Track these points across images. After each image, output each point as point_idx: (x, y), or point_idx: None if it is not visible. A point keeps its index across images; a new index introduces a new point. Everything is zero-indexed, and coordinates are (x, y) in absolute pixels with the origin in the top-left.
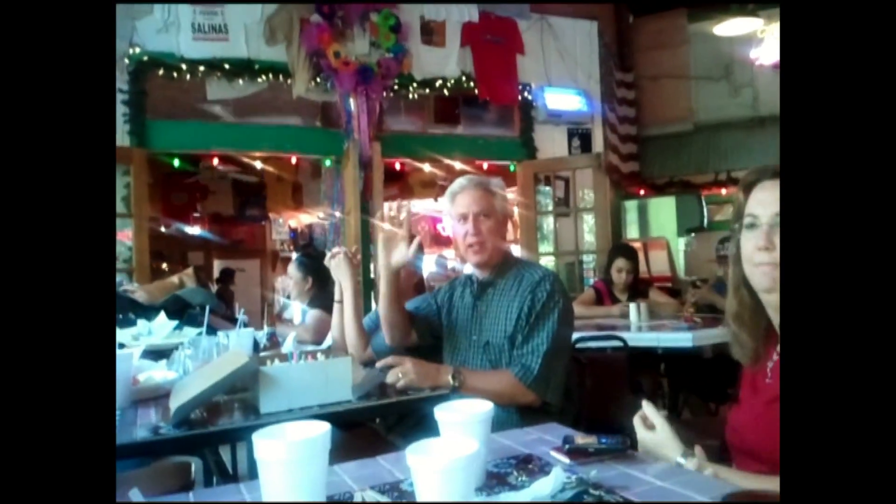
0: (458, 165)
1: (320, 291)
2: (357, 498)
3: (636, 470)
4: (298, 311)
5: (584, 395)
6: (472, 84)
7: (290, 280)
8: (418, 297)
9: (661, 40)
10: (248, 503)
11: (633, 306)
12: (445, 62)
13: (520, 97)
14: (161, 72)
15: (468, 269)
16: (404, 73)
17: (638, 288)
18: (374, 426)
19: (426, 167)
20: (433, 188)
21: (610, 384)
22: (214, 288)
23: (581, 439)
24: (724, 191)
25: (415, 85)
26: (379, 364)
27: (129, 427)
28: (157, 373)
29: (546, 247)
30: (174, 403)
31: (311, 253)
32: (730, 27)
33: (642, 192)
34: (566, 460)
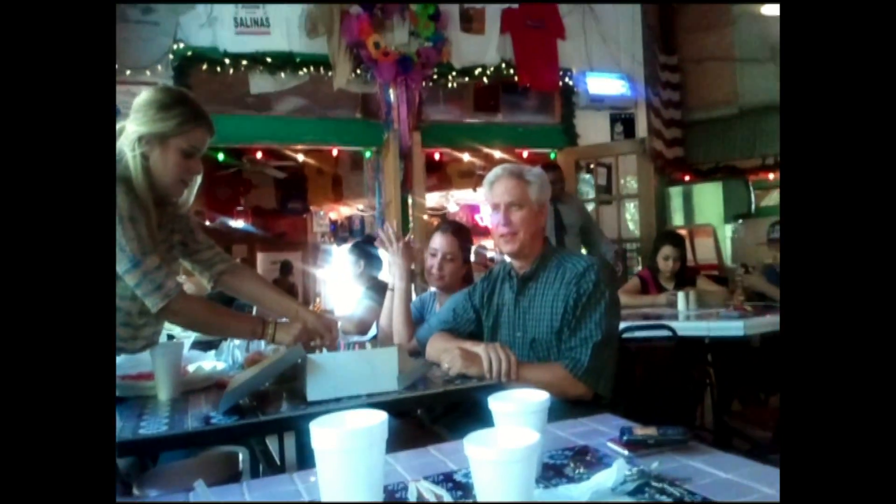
0: (497, 154)
1: (371, 280)
2: (411, 488)
3: (698, 462)
4: (339, 301)
5: (633, 384)
6: (511, 71)
7: (345, 265)
8: (453, 300)
9: (705, 21)
10: (304, 502)
11: (681, 295)
12: (485, 49)
13: (561, 83)
14: (204, 66)
15: (507, 259)
16: (444, 61)
17: (685, 276)
18: (419, 416)
19: (465, 157)
20: (472, 178)
21: (658, 374)
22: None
23: (640, 430)
24: (771, 175)
25: (454, 73)
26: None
27: (181, 417)
28: (207, 363)
29: None
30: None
31: (364, 241)
32: (776, 7)
33: (687, 177)
34: (625, 452)
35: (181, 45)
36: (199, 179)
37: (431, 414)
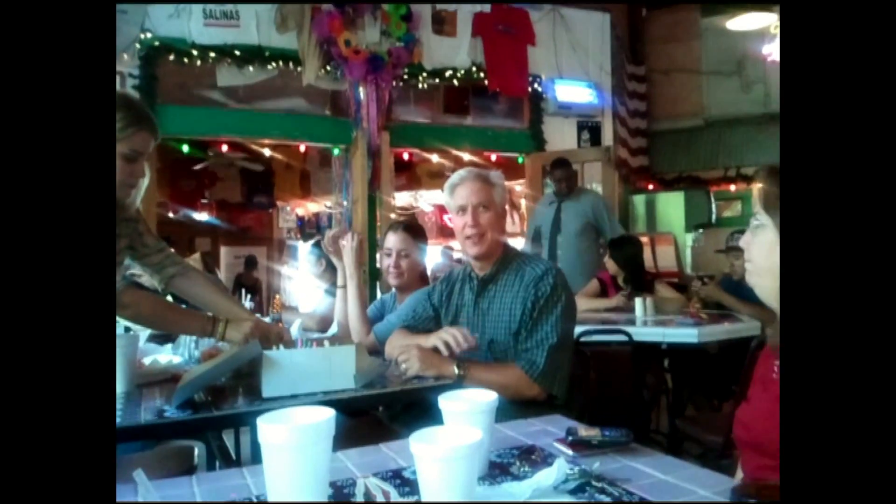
0: (466, 156)
1: (333, 277)
2: (360, 484)
3: (639, 463)
4: (303, 298)
5: (589, 388)
6: (482, 75)
7: (306, 263)
8: (414, 298)
9: (673, 34)
10: (243, 501)
11: (638, 301)
12: (456, 52)
13: (530, 89)
14: (172, 57)
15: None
16: (414, 62)
17: (643, 281)
18: (378, 415)
19: (434, 158)
20: (441, 179)
21: (614, 378)
22: (228, 274)
23: (584, 431)
24: (733, 187)
25: (425, 75)
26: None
27: (134, 410)
28: (163, 357)
29: None
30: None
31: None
32: (742, 22)
33: (651, 186)
34: (569, 452)
35: (148, 35)
36: (145, 182)
37: (390, 412)
